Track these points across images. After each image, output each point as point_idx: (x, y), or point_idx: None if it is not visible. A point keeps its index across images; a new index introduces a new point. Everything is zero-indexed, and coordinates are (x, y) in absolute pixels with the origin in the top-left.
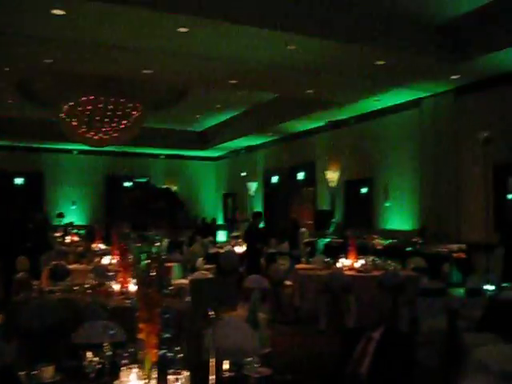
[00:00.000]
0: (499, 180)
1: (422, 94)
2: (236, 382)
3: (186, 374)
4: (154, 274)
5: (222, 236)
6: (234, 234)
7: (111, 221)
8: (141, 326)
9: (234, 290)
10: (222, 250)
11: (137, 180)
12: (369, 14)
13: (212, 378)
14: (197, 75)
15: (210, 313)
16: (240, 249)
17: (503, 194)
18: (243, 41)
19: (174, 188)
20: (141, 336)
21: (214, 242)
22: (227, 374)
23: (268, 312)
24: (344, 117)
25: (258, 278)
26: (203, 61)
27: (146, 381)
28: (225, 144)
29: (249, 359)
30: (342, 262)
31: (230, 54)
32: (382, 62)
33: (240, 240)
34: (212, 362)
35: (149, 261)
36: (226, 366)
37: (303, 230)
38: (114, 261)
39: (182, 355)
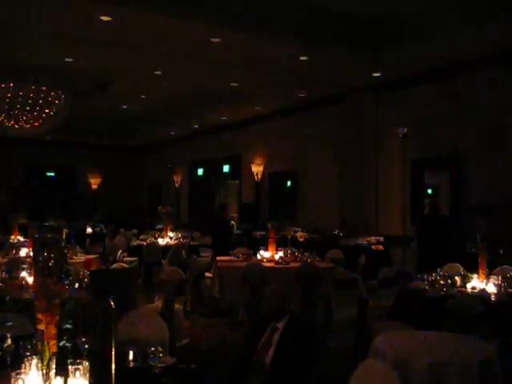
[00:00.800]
0: (416, 175)
1: (345, 90)
2: (140, 371)
3: (85, 364)
4: (52, 263)
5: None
6: (158, 226)
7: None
8: (39, 316)
9: (135, 283)
10: (144, 243)
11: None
12: (293, 9)
13: (112, 368)
14: (120, 65)
15: (111, 303)
16: (163, 241)
17: (420, 189)
18: (166, 32)
19: (99, 180)
20: (40, 327)
21: (138, 235)
22: (131, 364)
23: (187, 304)
24: (270, 111)
25: (175, 269)
26: (126, 51)
27: (45, 371)
28: (150, 135)
29: (152, 349)
30: (262, 254)
31: (153, 45)
32: (305, 58)
33: (163, 232)
34: (112, 351)
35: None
36: (130, 356)
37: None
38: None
39: (85, 346)
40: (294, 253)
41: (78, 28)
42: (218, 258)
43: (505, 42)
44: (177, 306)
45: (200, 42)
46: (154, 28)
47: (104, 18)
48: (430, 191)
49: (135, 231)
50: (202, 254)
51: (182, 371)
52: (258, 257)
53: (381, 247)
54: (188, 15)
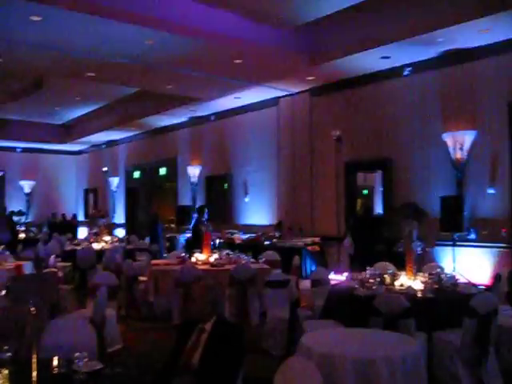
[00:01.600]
0: (349, 176)
1: (280, 93)
2: (64, 377)
3: (4, 372)
4: None
5: (83, 233)
6: (93, 230)
7: None
8: None
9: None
10: (78, 247)
11: None
12: (227, 12)
13: (33, 375)
14: (51, 66)
15: (31, 309)
16: (98, 245)
17: (353, 190)
18: (100, 33)
19: (32, 183)
20: None
21: (73, 239)
22: (56, 371)
23: (121, 308)
24: (205, 113)
25: (107, 274)
26: (57, 51)
27: None
28: (86, 138)
29: (77, 354)
30: (197, 257)
31: (86, 46)
32: (239, 61)
33: (98, 237)
34: (34, 358)
35: None
36: (55, 362)
37: (167, 225)
38: None
39: (6, 354)
40: (229, 255)
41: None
42: (152, 261)
43: (433, 49)
44: (110, 310)
45: (133, 43)
46: (87, 30)
47: (34, 18)
48: (365, 192)
49: (70, 235)
50: (138, 258)
51: (107, 376)
52: (193, 260)
53: (316, 248)
54: (122, 16)
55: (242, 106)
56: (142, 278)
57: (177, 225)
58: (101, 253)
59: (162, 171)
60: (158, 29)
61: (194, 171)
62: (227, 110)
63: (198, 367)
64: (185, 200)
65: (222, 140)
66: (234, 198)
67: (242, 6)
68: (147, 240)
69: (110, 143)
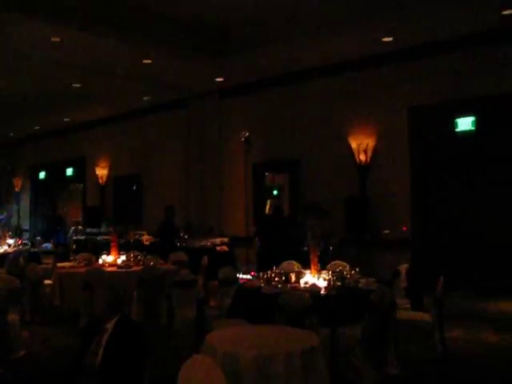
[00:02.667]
0: (258, 177)
1: (189, 94)
2: None
3: None
4: None
5: None
6: None
7: None
8: None
9: None
10: None
11: None
12: (137, 11)
13: None
14: None
15: None
16: (1, 249)
17: (261, 190)
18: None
19: None
20: None
21: None
22: None
23: (25, 313)
24: (114, 113)
25: (9, 278)
26: None
27: None
28: None
29: None
30: (104, 259)
31: None
32: (149, 61)
33: (1, 239)
34: None
35: None
36: None
37: (76, 227)
38: None
39: None
40: (137, 256)
41: None
42: (58, 264)
43: (339, 54)
44: (13, 316)
45: (40, 42)
46: None
47: None
48: (275, 193)
49: None
50: (44, 261)
51: (7, 382)
52: (100, 262)
53: (225, 248)
54: (25, 12)
55: (151, 107)
56: (47, 282)
57: (84, 226)
58: (3, 256)
59: (69, 171)
60: (65, 26)
61: (102, 172)
62: (136, 110)
63: (101, 368)
64: (93, 201)
65: (131, 140)
66: (143, 198)
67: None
68: (53, 242)
69: (14, 141)
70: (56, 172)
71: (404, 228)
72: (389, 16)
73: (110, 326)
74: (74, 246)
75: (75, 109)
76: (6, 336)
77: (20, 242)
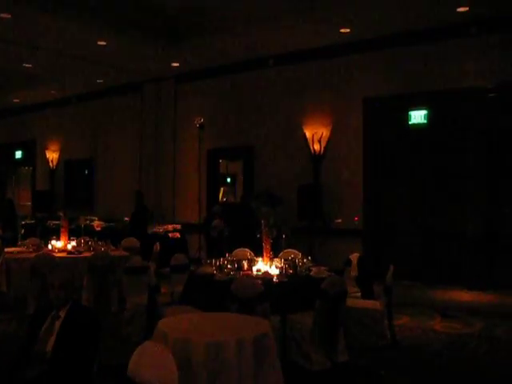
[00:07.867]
0: (212, 164)
1: (145, 78)
2: None
3: None
4: None
5: None
6: None
7: None
8: None
9: None
10: None
11: None
12: None
13: None
14: None
15: None
16: None
17: (215, 177)
18: None
19: None
20: None
21: None
22: None
23: None
24: (66, 95)
25: None
26: None
27: None
28: None
29: None
30: (54, 244)
31: None
32: (103, 43)
33: None
34: None
35: None
36: None
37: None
38: None
39: None
40: (88, 242)
41: None
42: (6, 249)
43: (295, 43)
44: None
45: None
46: None
47: None
48: (229, 180)
49: None
50: None
51: None
52: (50, 247)
53: (177, 235)
54: None
55: (106, 90)
56: None
57: (34, 211)
58: None
59: (18, 154)
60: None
61: (53, 155)
62: (90, 93)
63: (52, 355)
64: (43, 185)
65: (84, 124)
66: (95, 183)
67: None
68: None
69: None
70: (4, 155)
71: (355, 218)
72: (347, 7)
73: (62, 313)
74: (23, 231)
75: (25, 89)
76: None
77: None
